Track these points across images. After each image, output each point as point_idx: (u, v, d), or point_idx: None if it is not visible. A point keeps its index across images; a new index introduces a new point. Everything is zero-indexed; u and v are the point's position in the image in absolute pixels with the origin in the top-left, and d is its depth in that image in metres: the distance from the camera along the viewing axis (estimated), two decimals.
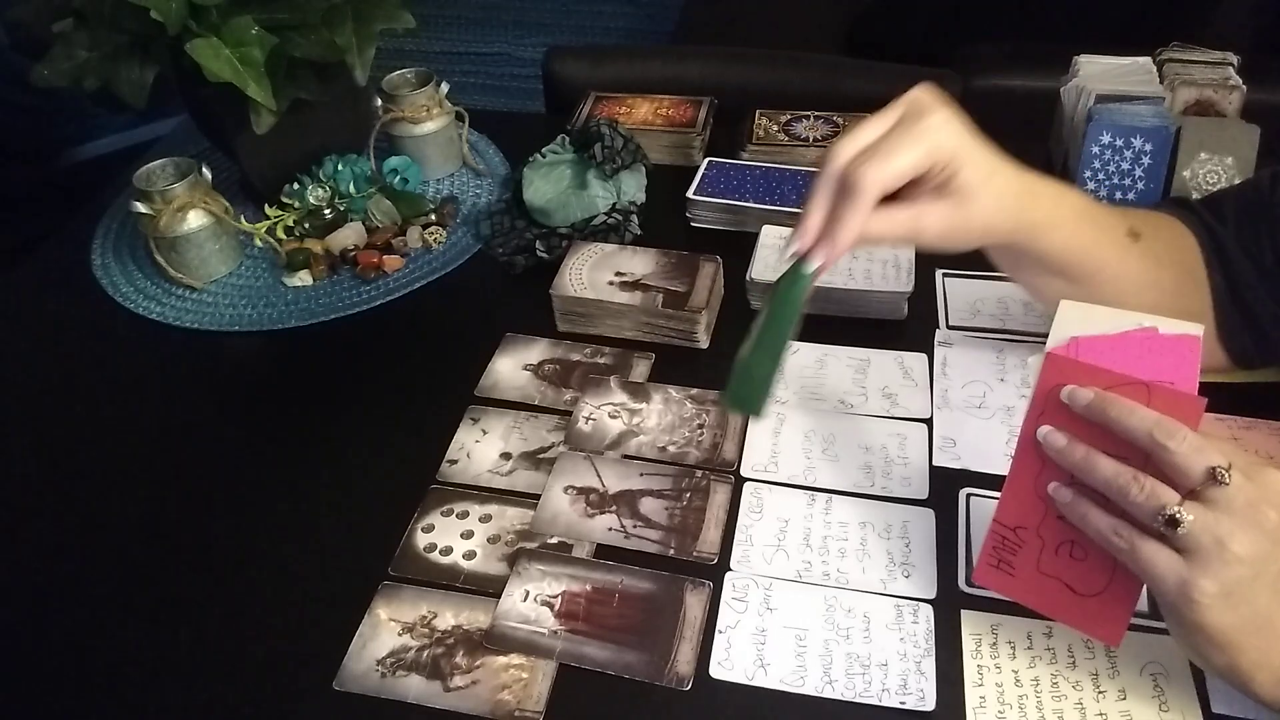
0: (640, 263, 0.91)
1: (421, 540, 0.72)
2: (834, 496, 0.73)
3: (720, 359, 0.86)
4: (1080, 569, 0.58)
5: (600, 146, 1.00)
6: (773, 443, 0.78)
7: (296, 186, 1.01)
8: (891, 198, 0.61)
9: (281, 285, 0.97)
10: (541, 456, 0.78)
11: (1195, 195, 0.90)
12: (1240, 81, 0.97)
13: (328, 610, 0.68)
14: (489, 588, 0.68)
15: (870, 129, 0.61)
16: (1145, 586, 0.55)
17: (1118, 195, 0.93)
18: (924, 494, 0.73)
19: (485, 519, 0.73)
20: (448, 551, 0.71)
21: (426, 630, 0.66)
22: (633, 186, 1.02)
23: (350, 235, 1.00)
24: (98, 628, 0.68)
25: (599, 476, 0.76)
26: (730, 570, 0.69)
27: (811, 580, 0.68)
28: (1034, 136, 1.11)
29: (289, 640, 0.67)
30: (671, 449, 0.78)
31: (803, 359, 0.85)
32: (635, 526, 0.72)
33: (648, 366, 0.86)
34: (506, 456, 0.78)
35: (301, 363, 0.91)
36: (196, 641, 0.67)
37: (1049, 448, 0.57)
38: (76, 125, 2.39)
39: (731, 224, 0.99)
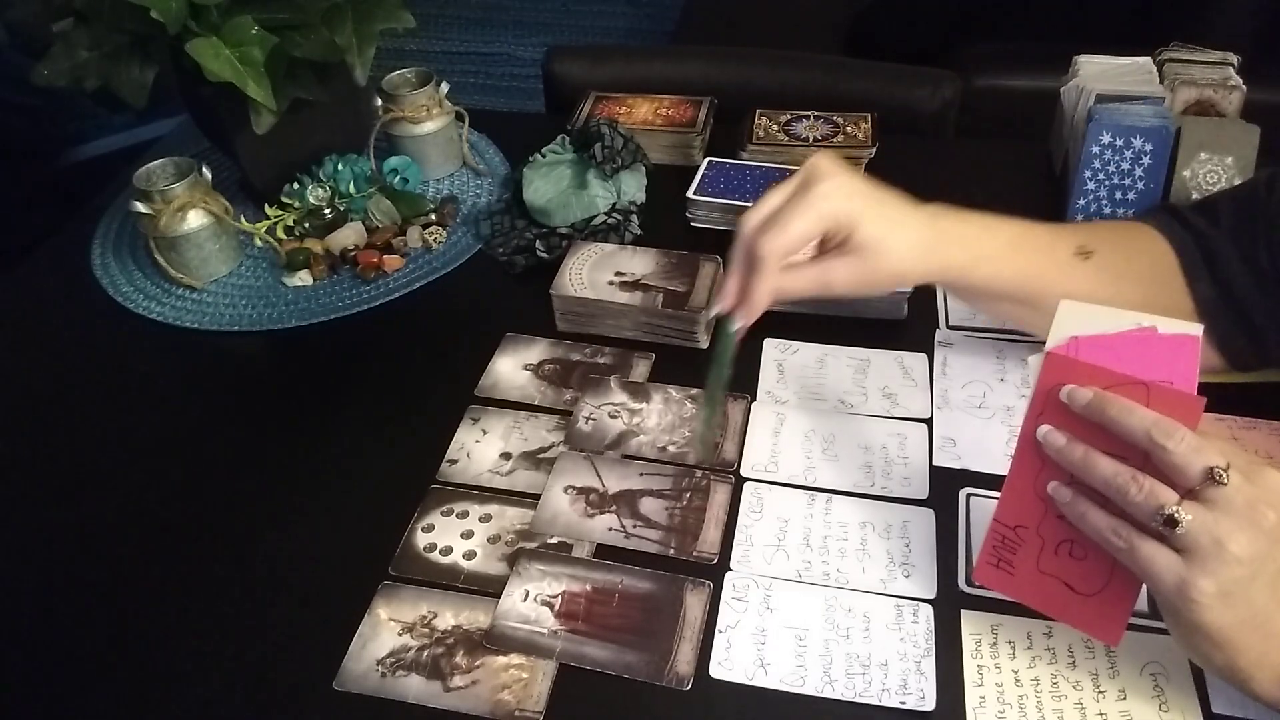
0: (640, 263, 0.91)
1: (421, 540, 0.72)
2: (834, 496, 0.73)
3: None
4: (1080, 568, 0.58)
5: (600, 146, 1.00)
6: (773, 443, 0.78)
7: (296, 186, 1.01)
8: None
9: (281, 285, 0.98)
10: (541, 456, 0.78)
11: (1195, 195, 0.90)
12: (1240, 81, 0.96)
13: (328, 610, 0.68)
14: (489, 588, 0.68)
15: (772, 199, 0.67)
16: (1145, 586, 0.55)
17: (1117, 195, 0.93)
18: (924, 494, 0.73)
19: (485, 519, 0.73)
20: (448, 551, 0.71)
21: (426, 630, 0.66)
22: (633, 186, 1.02)
23: (350, 235, 1.00)
24: (97, 628, 0.68)
25: (599, 476, 0.76)
26: (730, 570, 0.69)
27: (811, 580, 0.68)
28: (1034, 136, 1.11)
29: (289, 640, 0.67)
30: (671, 449, 0.78)
31: (803, 359, 0.85)
32: (635, 526, 0.72)
33: (648, 366, 0.86)
34: (506, 456, 0.78)
35: (301, 363, 0.91)
36: (197, 641, 0.67)
37: (1048, 447, 0.57)
38: (76, 125, 2.38)
39: (731, 224, 0.98)
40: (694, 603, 0.67)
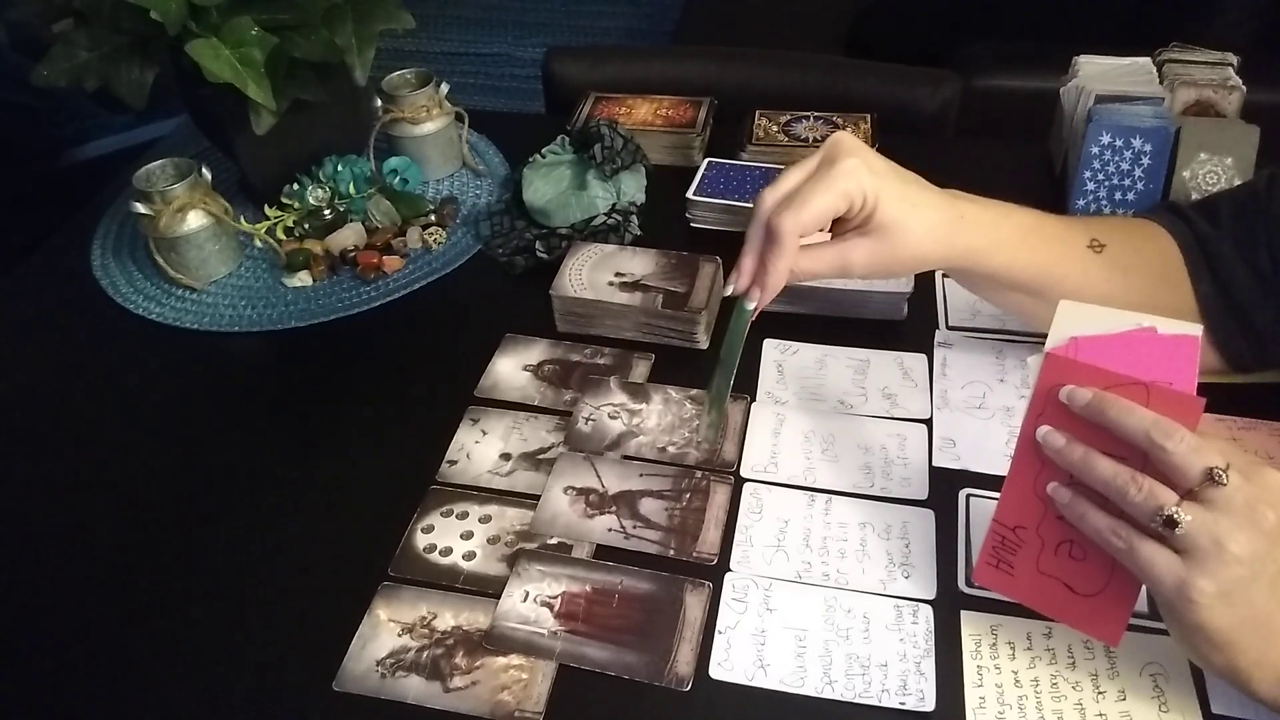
0: (640, 263, 0.91)
1: (421, 541, 0.72)
2: (834, 497, 0.73)
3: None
4: (1079, 569, 0.58)
5: (600, 147, 1.00)
6: (773, 443, 0.78)
7: (296, 187, 1.02)
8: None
9: (281, 286, 0.98)
10: (541, 457, 0.78)
11: (1195, 196, 0.90)
12: (1240, 82, 0.96)
13: (328, 610, 0.68)
14: (489, 588, 0.68)
15: (791, 177, 0.66)
16: (1144, 586, 0.55)
17: (1117, 195, 0.93)
18: (924, 494, 0.73)
19: (485, 519, 0.73)
20: (447, 552, 0.71)
21: (426, 631, 0.66)
22: (633, 187, 1.02)
23: (350, 236, 1.00)
24: (97, 628, 0.68)
25: (599, 477, 0.76)
26: (730, 571, 0.69)
27: (811, 581, 0.68)
28: (1034, 136, 1.11)
29: (289, 640, 0.67)
30: (671, 449, 0.78)
31: (803, 359, 0.85)
32: (635, 527, 0.72)
33: (647, 367, 0.86)
34: (506, 457, 0.78)
35: (301, 363, 0.91)
36: (196, 641, 0.67)
37: (1048, 448, 0.57)
38: (76, 125, 2.39)
39: (731, 224, 0.99)
40: (694, 603, 0.67)
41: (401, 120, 1.08)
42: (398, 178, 1.04)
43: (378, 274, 0.97)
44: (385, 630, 0.66)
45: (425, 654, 0.65)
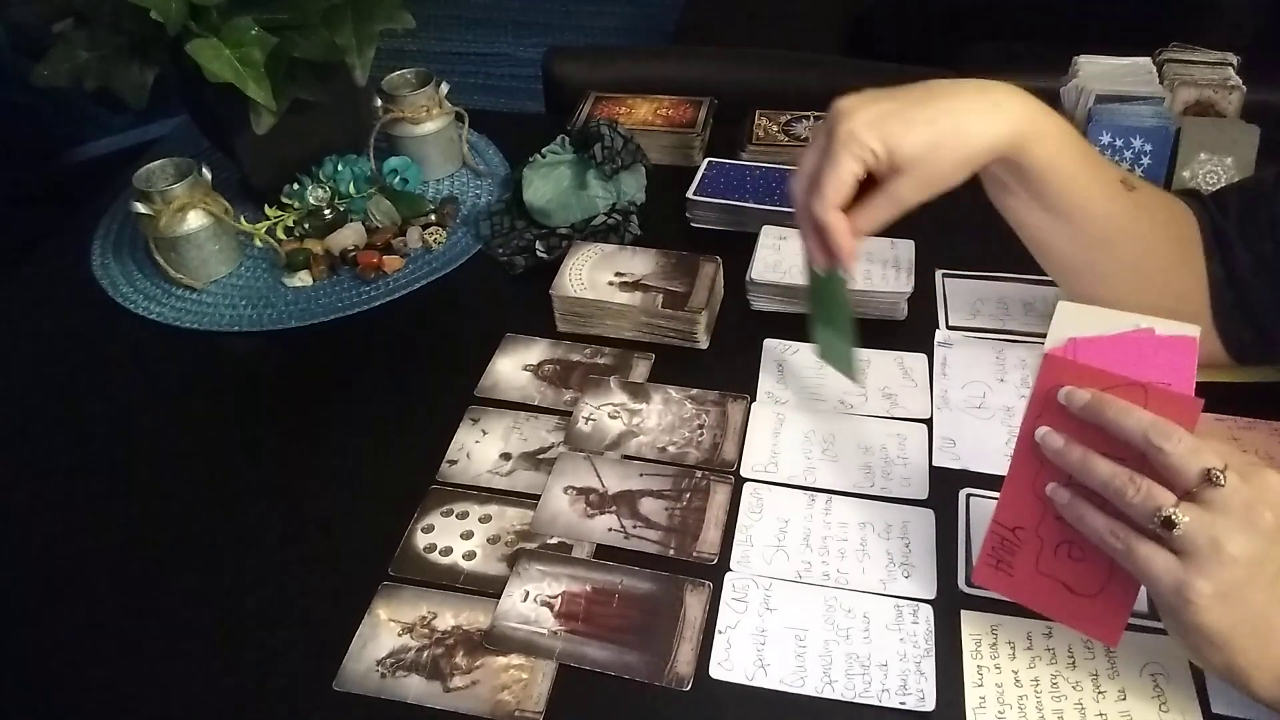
0: (640, 263, 0.91)
1: (421, 540, 0.72)
2: (834, 497, 0.73)
3: (720, 359, 0.86)
4: (1078, 569, 0.58)
5: (600, 146, 1.00)
6: (773, 443, 0.78)
7: (296, 187, 1.02)
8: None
9: (281, 285, 0.98)
10: (541, 457, 0.78)
11: None
12: (1240, 81, 0.97)
13: (328, 610, 0.68)
14: (489, 588, 0.68)
15: (808, 160, 0.68)
16: (1144, 586, 0.55)
17: None
18: (924, 494, 0.73)
19: (485, 519, 0.73)
20: (448, 552, 0.71)
21: (426, 630, 0.66)
22: (633, 187, 1.02)
23: (350, 235, 1.00)
24: (98, 628, 0.69)
25: (599, 477, 0.76)
26: (730, 570, 0.69)
27: (811, 580, 0.68)
28: None
29: (289, 640, 0.67)
30: (671, 449, 0.78)
31: (803, 359, 0.85)
32: (635, 527, 0.72)
33: (648, 367, 0.86)
34: (506, 457, 0.78)
35: (301, 363, 0.91)
36: (196, 641, 0.67)
37: (1046, 448, 0.57)
38: (76, 125, 2.39)
39: (731, 224, 0.99)
40: (694, 603, 0.67)
41: (401, 120, 1.08)
42: (398, 177, 1.04)
43: (378, 274, 0.97)
44: (385, 630, 0.66)
45: (425, 654, 0.65)
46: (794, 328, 0.87)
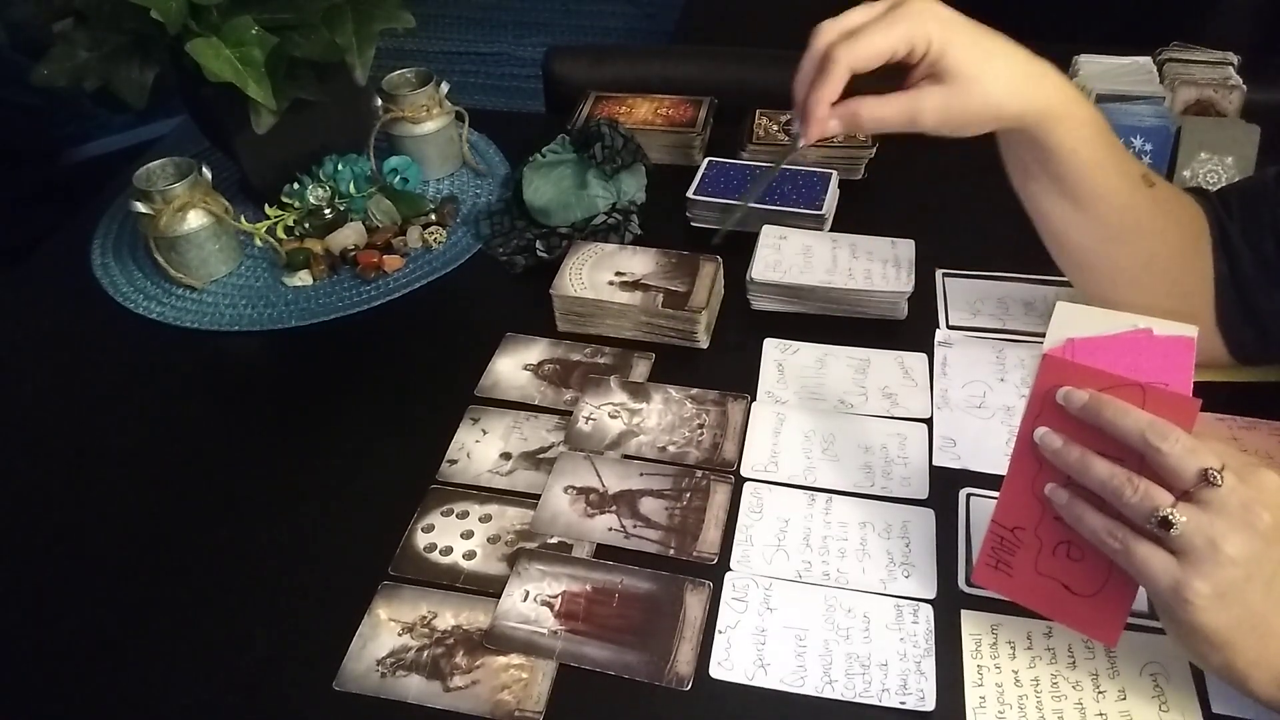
0: (640, 263, 0.91)
1: (421, 540, 0.72)
2: (834, 496, 0.73)
3: (720, 359, 0.86)
4: (1077, 569, 0.58)
5: (600, 146, 1.00)
6: (773, 443, 0.78)
7: (296, 186, 1.02)
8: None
9: (281, 285, 0.98)
10: (541, 456, 0.78)
11: None
12: (1240, 81, 0.97)
13: (328, 610, 0.68)
14: (489, 588, 0.68)
15: (856, 15, 0.65)
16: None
17: None
18: (924, 494, 0.73)
19: (485, 519, 0.73)
20: (448, 551, 0.71)
21: (426, 630, 0.66)
22: (633, 186, 1.02)
23: (350, 235, 1.00)
24: (98, 628, 0.69)
25: (599, 476, 0.76)
26: (730, 570, 0.69)
27: (811, 580, 0.68)
28: None
29: (289, 640, 0.67)
30: (671, 449, 0.78)
31: (803, 359, 0.85)
32: (635, 526, 0.72)
33: (648, 366, 0.86)
34: (506, 456, 0.78)
35: (301, 363, 0.91)
36: (196, 641, 0.67)
37: (1045, 449, 0.57)
38: (76, 125, 2.38)
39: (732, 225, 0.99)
40: (694, 603, 0.67)
41: (402, 119, 1.08)
42: (398, 177, 1.04)
43: (378, 273, 0.97)
44: (385, 630, 0.66)
45: (425, 653, 0.65)
46: (794, 327, 0.88)
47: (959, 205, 1.01)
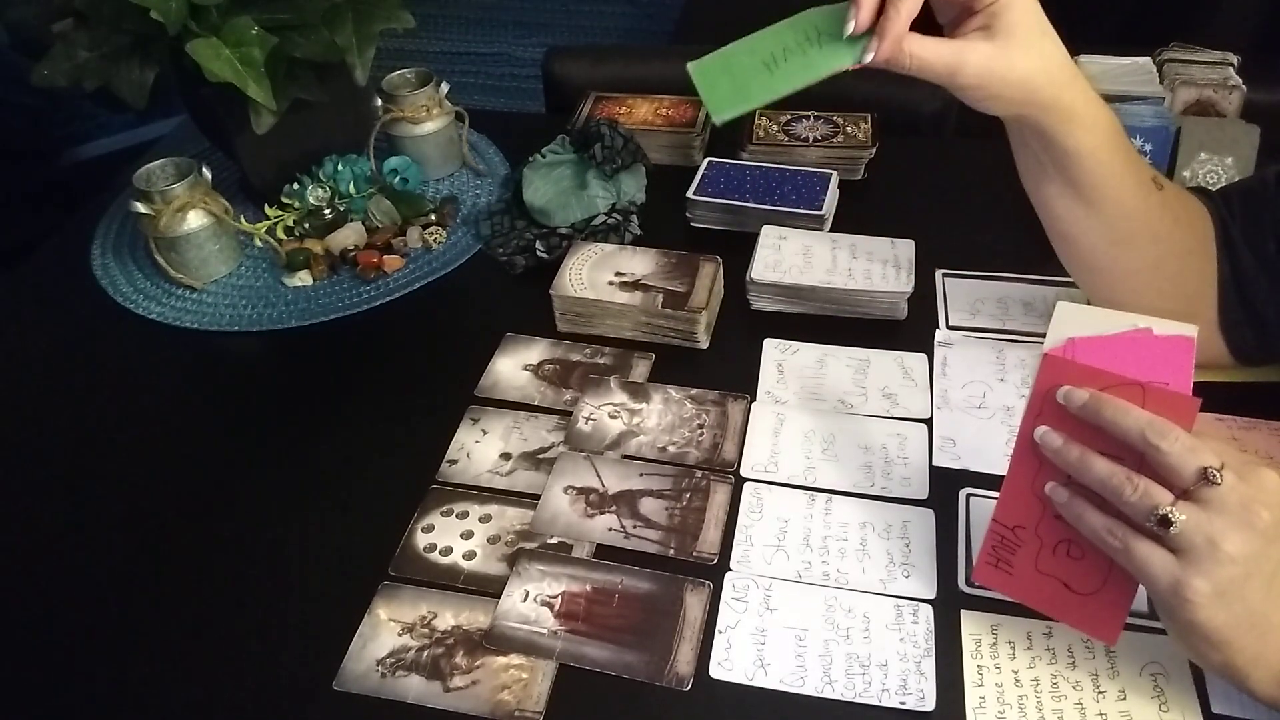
0: (640, 263, 0.91)
1: (421, 540, 0.72)
2: (834, 496, 0.73)
3: (720, 359, 0.86)
4: (1077, 568, 0.58)
5: (600, 146, 1.00)
6: (773, 443, 0.78)
7: (296, 186, 1.02)
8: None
9: (281, 285, 0.98)
10: (541, 456, 0.78)
11: None
12: (1240, 81, 0.97)
13: (328, 610, 0.68)
14: (489, 588, 0.68)
15: None
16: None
17: None
18: (924, 494, 0.73)
19: (485, 519, 0.73)
20: (448, 552, 0.71)
21: (426, 630, 0.66)
22: (633, 186, 1.02)
23: (350, 235, 1.00)
24: (97, 627, 0.69)
25: (599, 476, 0.76)
26: (730, 570, 0.69)
27: (811, 580, 0.68)
28: None
29: (289, 640, 0.67)
30: (671, 449, 0.78)
31: (803, 359, 0.85)
32: (635, 526, 0.72)
33: (648, 366, 0.86)
34: (506, 456, 0.78)
35: (301, 363, 0.91)
36: (196, 641, 0.67)
37: (1045, 448, 0.57)
38: (76, 125, 2.39)
39: (731, 224, 0.99)
40: (694, 603, 0.67)
41: (402, 120, 1.08)
42: (398, 177, 1.04)
43: (378, 274, 0.97)
44: (385, 630, 0.66)
45: (425, 653, 0.65)
46: (794, 327, 0.87)
47: (959, 205, 1.01)
